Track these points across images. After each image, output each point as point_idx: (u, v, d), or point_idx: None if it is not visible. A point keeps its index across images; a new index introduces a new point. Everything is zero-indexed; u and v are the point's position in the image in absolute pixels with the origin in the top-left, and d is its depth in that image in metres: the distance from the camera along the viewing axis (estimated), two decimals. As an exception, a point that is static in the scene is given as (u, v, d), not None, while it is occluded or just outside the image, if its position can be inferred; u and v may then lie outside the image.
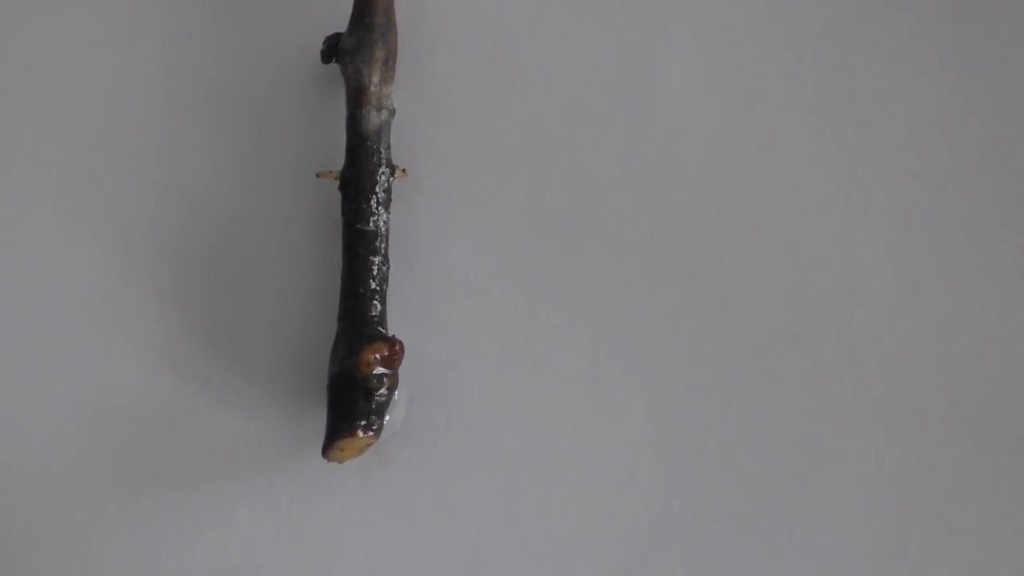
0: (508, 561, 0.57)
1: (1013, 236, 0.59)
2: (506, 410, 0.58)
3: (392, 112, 0.59)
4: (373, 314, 0.57)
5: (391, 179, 0.59)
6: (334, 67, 0.60)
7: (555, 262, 0.60)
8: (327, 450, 0.55)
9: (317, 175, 0.59)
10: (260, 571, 0.57)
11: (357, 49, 0.59)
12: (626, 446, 0.58)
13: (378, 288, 0.57)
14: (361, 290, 0.57)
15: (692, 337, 0.59)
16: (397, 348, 0.56)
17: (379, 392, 0.55)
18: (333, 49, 0.60)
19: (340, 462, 0.56)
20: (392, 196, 0.59)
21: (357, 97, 0.59)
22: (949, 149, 0.61)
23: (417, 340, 0.59)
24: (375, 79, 0.59)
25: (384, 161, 0.59)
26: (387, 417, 0.57)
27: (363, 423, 0.55)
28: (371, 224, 0.58)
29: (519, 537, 0.57)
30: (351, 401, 0.55)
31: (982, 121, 0.61)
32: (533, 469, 0.57)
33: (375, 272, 0.57)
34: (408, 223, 0.60)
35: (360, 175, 0.58)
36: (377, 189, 0.58)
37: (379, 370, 0.56)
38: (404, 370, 0.57)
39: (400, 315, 0.59)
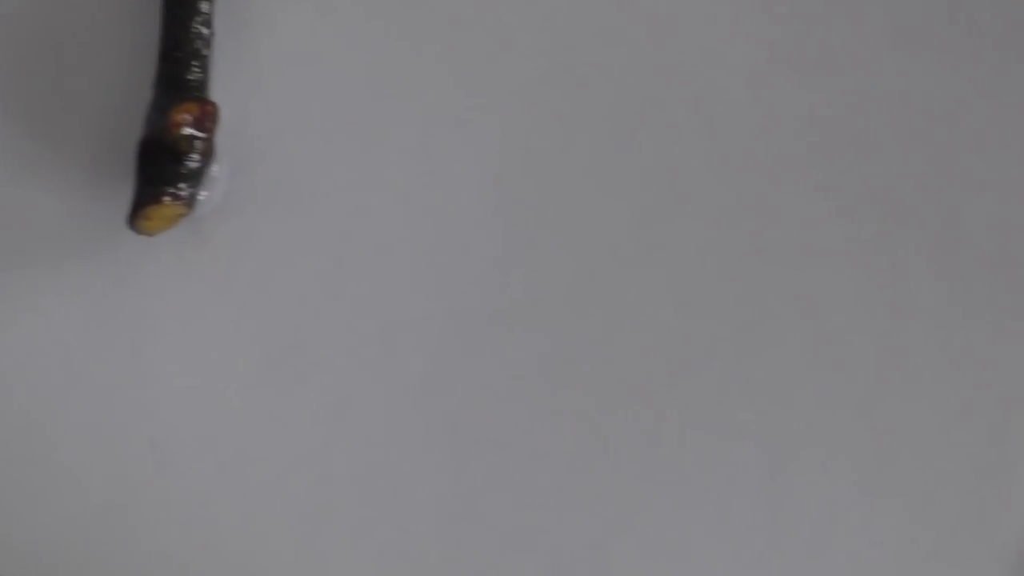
0: (332, 346, 0.53)
1: None
2: (334, 185, 0.54)
3: None
4: (191, 79, 0.53)
5: (216, -68, 0.54)
6: None
7: (394, 31, 0.55)
8: (132, 220, 0.51)
9: (134, -72, 0.55)
10: (70, 357, 0.53)
11: None
12: (459, 219, 0.53)
13: (198, 50, 0.53)
14: (178, 54, 0.53)
15: (533, 104, 0.54)
16: (209, 108, 0.52)
17: (190, 157, 0.51)
18: None
19: (150, 235, 0.52)
20: (218, -46, 0.54)
21: None
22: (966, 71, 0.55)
23: (241, 113, 0.54)
24: None
25: (211, -98, 0.54)
26: (205, 194, 0.53)
27: (171, 190, 0.51)
28: (193, -22, 0.54)
29: (342, 315, 0.53)
30: (158, 165, 0.51)
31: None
32: (360, 247, 0.53)
33: (195, 32, 0.53)
34: (236, -13, 0.56)
35: (181, -74, 0.54)
36: (200, -58, 0.54)
37: (190, 131, 0.51)
38: (227, 144, 0.53)
39: (223, 87, 0.54)
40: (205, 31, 0.53)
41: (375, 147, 0.54)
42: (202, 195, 0.53)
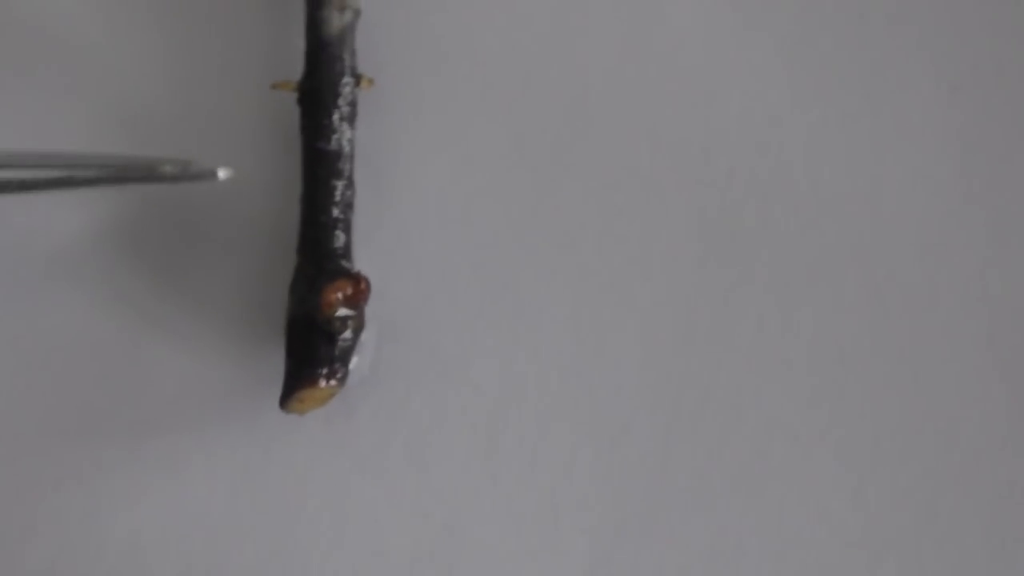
0: (489, 523, 0.51)
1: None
2: (486, 353, 0.52)
3: (357, 13, 0.53)
4: (336, 246, 0.51)
5: (356, 90, 0.52)
6: (291, -39, 0.53)
7: (542, 186, 0.53)
8: (286, 402, 0.50)
9: (272, 86, 0.52)
10: (215, 533, 0.51)
11: (317, -59, 0.52)
12: (620, 395, 0.52)
13: (341, 216, 0.51)
14: (323, 218, 0.51)
15: (695, 272, 0.52)
16: (363, 286, 0.50)
17: (343, 336, 0.50)
18: (289, -59, 0.53)
19: (301, 414, 0.50)
20: (358, 110, 0.52)
21: (317, -4, 0.52)
22: (989, 55, 0.54)
23: (386, 275, 0.52)
24: (337, -25, 0.52)
25: (348, 70, 0.52)
26: (353, 362, 0.51)
27: (325, 371, 0.49)
28: (333, 142, 0.51)
29: (501, 496, 0.51)
30: (311, 347, 0.49)
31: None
32: (517, 420, 0.52)
33: (338, 198, 0.51)
34: (376, 141, 0.53)
35: (320, 86, 0.51)
36: (340, 102, 0.51)
37: (343, 311, 0.50)
38: (372, 308, 0.51)
39: (367, 247, 0.52)
40: (348, 193, 0.51)
41: (527, 311, 0.52)
42: (351, 367, 0.51)
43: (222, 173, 0.50)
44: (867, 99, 0.54)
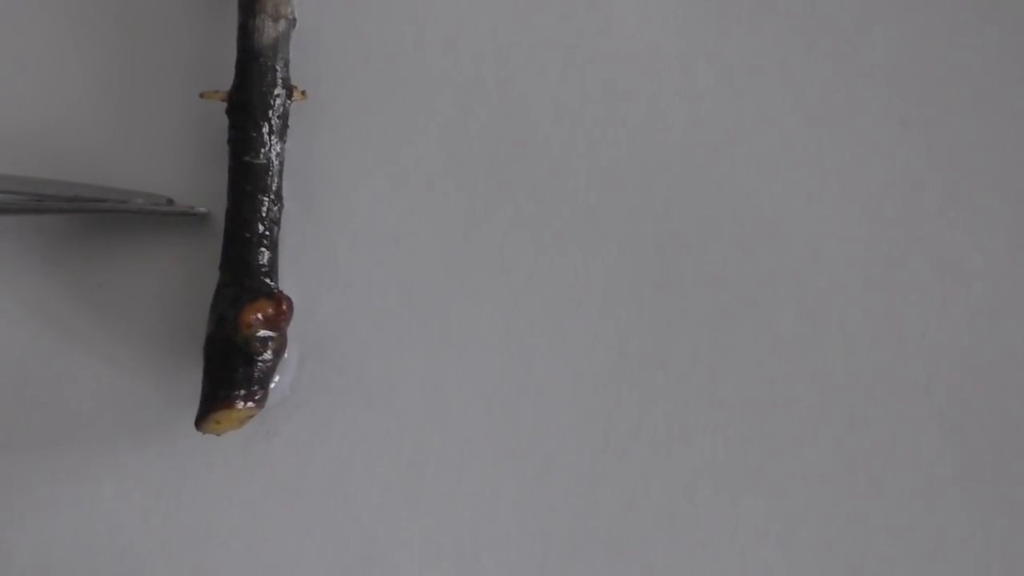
0: (408, 553, 0.50)
1: (1007, 199, 0.52)
2: (412, 379, 0.50)
3: (292, 22, 0.51)
4: (260, 263, 0.49)
5: (288, 102, 0.50)
6: (226, -34, 0.52)
7: (476, 208, 0.52)
8: (201, 422, 0.48)
9: (201, 95, 0.51)
10: (125, 553, 0.50)
11: (250, -54, 0.50)
12: (548, 427, 0.50)
13: (267, 232, 0.49)
14: (247, 234, 0.49)
15: (629, 303, 0.51)
16: (284, 307, 0.48)
17: (262, 357, 0.48)
18: (223, -55, 0.51)
19: (218, 435, 0.49)
20: (288, 123, 0.50)
21: (250, 3, 0.50)
22: (940, 92, 0.52)
23: (313, 294, 0.51)
24: (272, -17, 0.51)
25: (280, 81, 0.50)
26: (274, 381, 0.49)
27: (243, 393, 0.48)
28: (261, 156, 0.50)
29: (421, 526, 0.50)
30: (229, 367, 0.48)
31: (979, 60, 0.53)
32: (440, 448, 0.50)
33: (264, 213, 0.49)
34: (307, 156, 0.52)
35: (250, 97, 0.50)
36: (270, 114, 0.50)
37: (263, 332, 0.48)
38: (296, 328, 0.50)
39: (294, 265, 0.51)
40: (275, 209, 0.50)
41: (456, 336, 0.51)
42: (271, 384, 0.49)
43: (201, 209, 0.50)
44: (812, 131, 0.52)
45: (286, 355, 0.50)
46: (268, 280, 0.49)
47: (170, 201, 0.50)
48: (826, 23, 0.53)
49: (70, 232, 0.51)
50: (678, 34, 0.53)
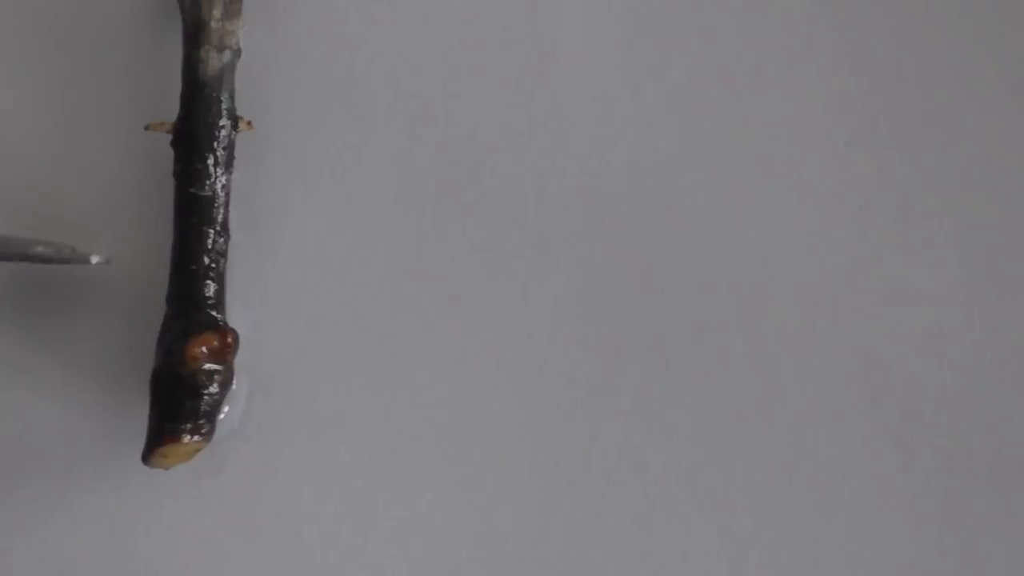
0: (360, 586, 0.50)
1: (954, 219, 0.52)
2: (362, 410, 0.50)
3: (238, 53, 0.51)
4: (207, 295, 0.49)
5: (234, 133, 0.50)
6: (171, -3, 0.52)
7: (425, 238, 0.51)
8: (149, 456, 0.48)
9: (146, 127, 0.50)
10: (75, 588, 0.49)
11: (194, -24, 0.50)
12: (498, 456, 0.50)
13: (213, 264, 0.49)
14: (193, 267, 0.49)
15: (579, 329, 0.51)
16: (230, 340, 0.48)
17: (209, 390, 0.48)
18: (167, -24, 0.51)
19: (166, 468, 0.48)
20: (235, 154, 0.50)
21: (195, 34, 0.50)
22: (886, 114, 0.52)
23: (261, 326, 0.51)
24: (216, 13, 0.51)
25: (226, 112, 0.50)
26: (223, 413, 0.49)
27: (189, 426, 0.47)
28: (207, 188, 0.49)
29: (373, 558, 0.49)
30: (176, 401, 0.48)
31: (924, 81, 0.53)
32: (392, 479, 0.50)
33: (210, 246, 0.49)
34: (254, 186, 0.51)
35: (196, 128, 0.50)
36: (216, 146, 0.50)
37: (209, 365, 0.48)
38: (245, 360, 0.49)
39: (241, 297, 0.51)
40: (221, 241, 0.49)
41: (405, 367, 0.51)
42: (219, 417, 0.49)
43: (95, 259, 0.49)
44: (759, 154, 0.52)
45: (234, 387, 0.49)
46: (215, 313, 0.49)
47: (73, 249, 0.50)
48: (772, 47, 0.53)
49: (13, 266, 0.51)
50: (624, 59, 0.53)
